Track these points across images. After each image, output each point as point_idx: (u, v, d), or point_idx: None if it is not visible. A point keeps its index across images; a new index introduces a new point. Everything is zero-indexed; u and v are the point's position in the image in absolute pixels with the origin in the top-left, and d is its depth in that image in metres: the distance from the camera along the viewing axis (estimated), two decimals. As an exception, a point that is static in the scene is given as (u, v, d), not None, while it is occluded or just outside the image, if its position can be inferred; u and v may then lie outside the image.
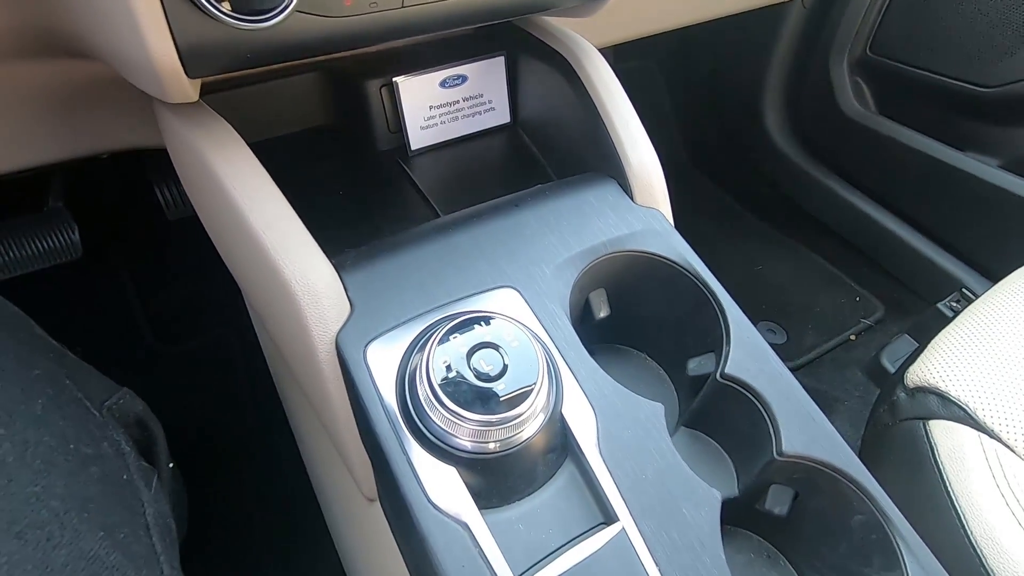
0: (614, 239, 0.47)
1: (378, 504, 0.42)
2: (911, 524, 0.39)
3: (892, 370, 1.02)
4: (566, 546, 0.34)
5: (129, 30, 0.33)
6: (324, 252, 0.40)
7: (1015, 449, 0.46)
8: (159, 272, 1.05)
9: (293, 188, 0.46)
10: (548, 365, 0.36)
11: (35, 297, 0.97)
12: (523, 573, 0.33)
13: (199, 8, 0.32)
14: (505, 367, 0.35)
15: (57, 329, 1.07)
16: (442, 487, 0.34)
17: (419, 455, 0.35)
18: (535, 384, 0.34)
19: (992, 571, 0.42)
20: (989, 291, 0.59)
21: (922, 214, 1.16)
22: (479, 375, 0.34)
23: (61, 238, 0.87)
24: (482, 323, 0.37)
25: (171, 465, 0.37)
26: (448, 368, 0.35)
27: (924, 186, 1.12)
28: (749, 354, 0.43)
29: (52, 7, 0.39)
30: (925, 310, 1.12)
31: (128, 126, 0.63)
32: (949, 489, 0.46)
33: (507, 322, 0.37)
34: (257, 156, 0.44)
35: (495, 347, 0.35)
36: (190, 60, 0.35)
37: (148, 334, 1.02)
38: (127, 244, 1.05)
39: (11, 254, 0.85)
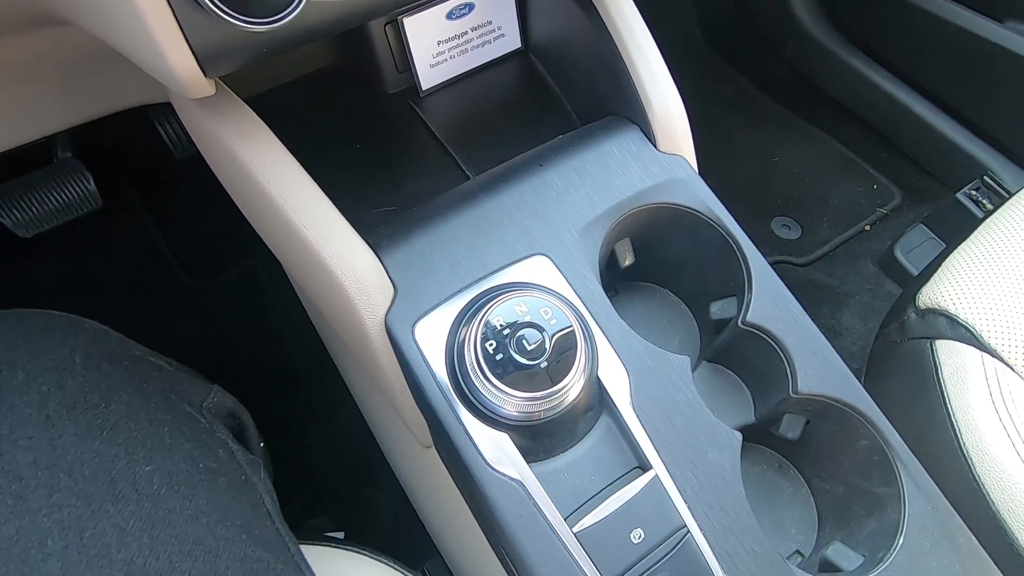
0: (638, 193, 0.47)
1: (434, 450, 0.48)
2: (909, 436, 0.43)
3: (905, 262, 1.04)
4: (606, 489, 0.39)
5: (143, 39, 0.32)
6: (349, 214, 0.42)
7: (1014, 367, 0.50)
8: (178, 212, 1.06)
9: (308, 143, 0.46)
10: (584, 335, 0.39)
11: (64, 252, 1.00)
12: (570, 515, 0.38)
13: (214, 17, 0.31)
14: (546, 344, 0.38)
15: (93, 282, 1.10)
16: (495, 449, 0.39)
17: (472, 422, 0.39)
18: (575, 358, 0.38)
19: (979, 477, 0.47)
20: (1008, 202, 0.60)
21: (949, 94, 1.11)
22: (523, 353, 0.37)
23: (78, 189, 0.88)
24: (520, 300, 0.39)
25: (262, 445, 0.42)
26: (493, 348, 0.38)
27: (955, 63, 1.06)
28: (770, 301, 0.46)
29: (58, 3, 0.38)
30: (944, 196, 1.11)
31: (132, 85, 0.61)
32: (948, 405, 0.50)
33: (543, 297, 0.39)
34: (266, 108, 0.44)
35: (536, 326, 0.38)
36: (207, 63, 0.34)
37: (180, 273, 1.05)
38: (142, 188, 1.05)
39: (34, 210, 0.86)
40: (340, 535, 0.76)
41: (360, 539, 0.49)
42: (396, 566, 0.45)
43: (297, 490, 0.90)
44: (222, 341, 1.01)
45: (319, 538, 0.44)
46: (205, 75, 0.35)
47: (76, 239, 1.00)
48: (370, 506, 0.86)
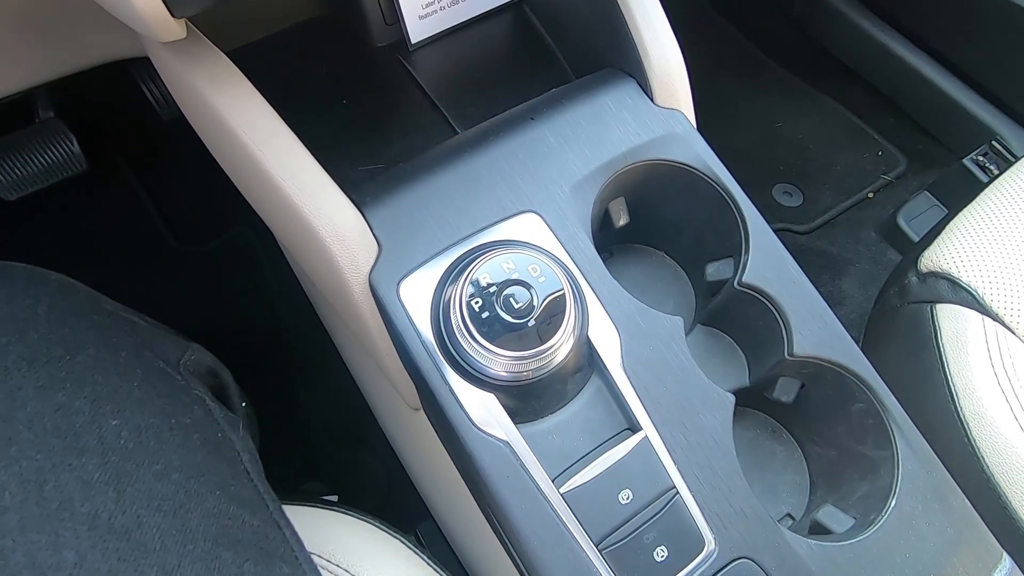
0: (634, 148, 0.45)
1: (423, 412, 0.47)
2: (905, 401, 0.43)
3: (908, 230, 1.03)
4: (595, 451, 0.39)
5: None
6: (336, 172, 0.40)
7: (1015, 331, 0.48)
8: (166, 175, 1.04)
9: (293, 99, 0.44)
10: (574, 294, 0.38)
11: (50, 216, 0.98)
12: (558, 476, 0.38)
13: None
14: (534, 302, 0.37)
15: (81, 246, 1.09)
16: (482, 410, 0.38)
17: (458, 383, 0.38)
18: (564, 317, 0.37)
19: (975, 441, 0.47)
20: (1014, 166, 0.58)
21: (961, 56, 1.07)
22: (510, 311, 0.36)
23: (61, 150, 0.86)
24: (508, 257, 0.38)
25: (244, 404, 0.41)
26: (479, 306, 0.36)
27: (968, 24, 1.02)
28: (767, 261, 0.44)
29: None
30: (951, 163, 1.09)
31: (112, 37, 0.58)
32: (946, 369, 0.49)
33: (532, 255, 0.38)
34: (249, 62, 0.42)
35: (524, 284, 0.37)
36: (173, 1, 0.32)
37: (170, 238, 1.04)
38: (128, 151, 1.02)
39: (17, 172, 0.84)
40: (334, 498, 0.77)
41: (354, 503, 0.49)
42: (384, 527, 0.44)
43: (291, 455, 0.90)
44: (213, 307, 1.00)
45: (308, 500, 0.44)
46: (172, 14, 0.33)
47: (63, 203, 0.98)
48: (364, 470, 0.86)
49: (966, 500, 0.41)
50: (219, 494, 0.29)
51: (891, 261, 1.06)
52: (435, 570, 0.43)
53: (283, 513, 0.33)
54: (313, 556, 0.40)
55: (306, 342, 0.96)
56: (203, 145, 0.49)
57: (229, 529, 0.28)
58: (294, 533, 0.33)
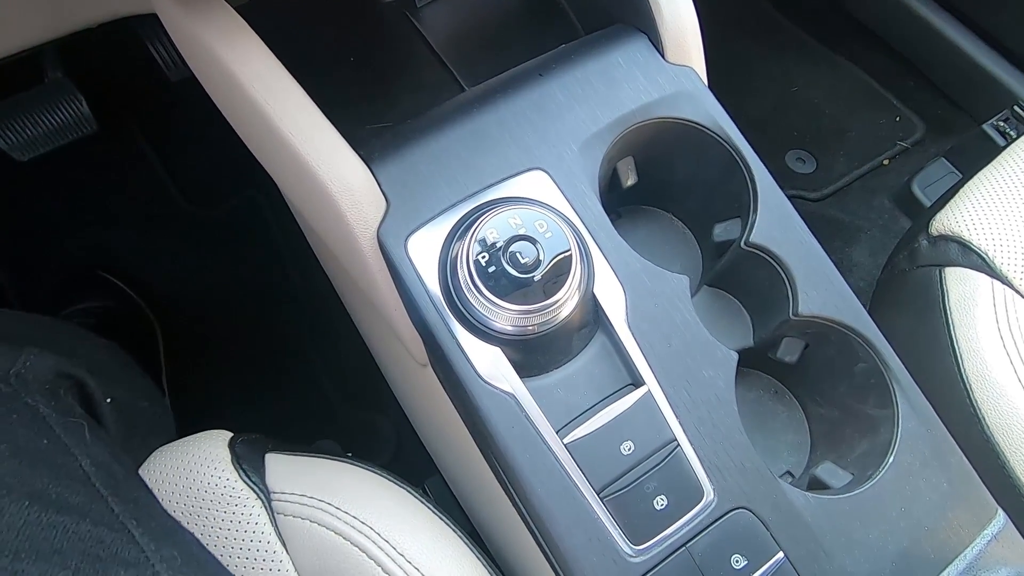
0: (644, 106, 0.45)
1: (430, 368, 0.48)
2: (910, 361, 0.43)
3: (922, 197, 1.01)
4: (599, 404, 0.40)
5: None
6: (343, 130, 0.40)
7: (1024, 294, 0.48)
8: (176, 138, 1.04)
9: (299, 55, 0.44)
10: (580, 250, 0.38)
11: (62, 177, 0.99)
12: (561, 429, 0.39)
13: None
14: (540, 257, 0.37)
15: (93, 209, 1.09)
16: (489, 363, 0.39)
17: (465, 337, 0.39)
18: (569, 271, 0.37)
19: (976, 402, 0.47)
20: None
21: (984, 17, 1.03)
22: (516, 266, 0.37)
23: (70, 110, 0.86)
24: (514, 213, 0.38)
25: (108, 400, 0.41)
26: (486, 261, 0.37)
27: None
28: (774, 221, 0.44)
29: None
30: (970, 129, 1.06)
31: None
32: (952, 332, 0.49)
33: (539, 211, 0.38)
34: (255, 19, 0.41)
35: (530, 239, 0.37)
36: (181, -50, 0.32)
37: (181, 200, 1.04)
38: (138, 113, 1.02)
39: (28, 132, 0.85)
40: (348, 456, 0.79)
41: (364, 461, 0.51)
42: (393, 479, 0.46)
43: (304, 414, 0.92)
44: (224, 269, 1.01)
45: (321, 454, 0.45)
46: (180, -35, 0.33)
47: (74, 165, 0.99)
48: (374, 429, 0.88)
49: (964, 458, 0.42)
50: (27, 504, 0.28)
51: (903, 229, 1.05)
52: (442, 520, 0.44)
53: (138, 509, 0.32)
54: (324, 505, 0.42)
55: (317, 303, 0.97)
56: (212, 107, 0.49)
57: (45, 539, 0.27)
58: (148, 533, 0.32)
